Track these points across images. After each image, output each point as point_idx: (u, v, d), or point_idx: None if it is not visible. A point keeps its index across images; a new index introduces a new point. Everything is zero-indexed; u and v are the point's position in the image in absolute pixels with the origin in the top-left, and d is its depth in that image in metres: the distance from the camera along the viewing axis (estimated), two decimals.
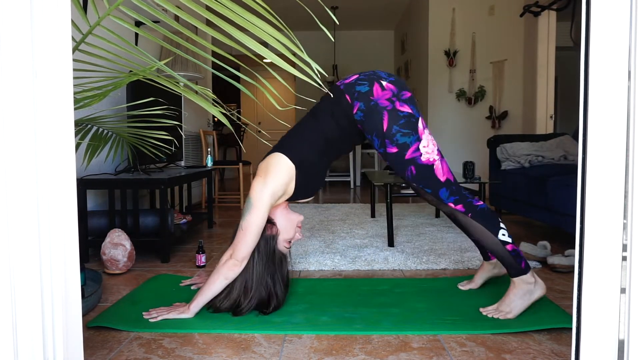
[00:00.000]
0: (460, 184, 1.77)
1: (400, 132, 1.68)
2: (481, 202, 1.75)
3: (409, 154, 1.69)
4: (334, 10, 7.27)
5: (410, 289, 2.02)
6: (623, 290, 0.96)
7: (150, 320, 1.66)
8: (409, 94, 1.73)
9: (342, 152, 1.86)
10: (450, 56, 5.67)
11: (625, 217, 0.96)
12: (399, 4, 7.13)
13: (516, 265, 1.69)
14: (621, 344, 0.97)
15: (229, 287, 1.72)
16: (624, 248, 0.96)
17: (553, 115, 5.28)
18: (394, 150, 1.70)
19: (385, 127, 1.69)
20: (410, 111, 1.70)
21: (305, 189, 1.79)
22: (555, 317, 1.67)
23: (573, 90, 7.91)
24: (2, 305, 0.86)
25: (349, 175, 7.11)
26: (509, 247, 1.69)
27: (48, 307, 0.92)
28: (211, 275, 1.71)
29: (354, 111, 1.72)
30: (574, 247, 1.06)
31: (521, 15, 5.23)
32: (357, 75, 1.76)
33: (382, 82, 1.71)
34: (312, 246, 2.88)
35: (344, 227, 3.53)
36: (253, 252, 1.70)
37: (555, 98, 5.41)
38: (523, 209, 3.43)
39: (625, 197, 0.95)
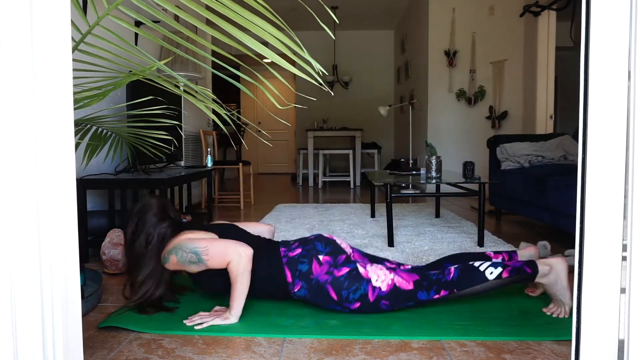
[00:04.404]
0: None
1: (351, 291, 1.71)
2: (451, 268, 1.74)
3: (371, 298, 1.71)
4: (334, 10, 7.26)
5: None
6: (623, 290, 0.96)
7: (195, 328, 1.61)
8: (343, 257, 1.76)
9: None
10: (450, 56, 5.67)
11: (625, 217, 0.96)
12: (399, 4, 7.13)
13: (526, 276, 1.70)
14: (621, 343, 0.97)
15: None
16: (624, 248, 0.96)
17: (553, 115, 5.28)
18: (358, 305, 1.72)
19: (336, 298, 1.71)
20: (348, 269, 1.73)
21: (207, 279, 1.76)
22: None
23: (573, 90, 7.91)
24: (2, 306, 0.86)
25: (349, 175, 7.11)
26: (504, 274, 1.69)
27: (48, 307, 0.92)
28: (235, 282, 1.67)
29: (296, 289, 1.74)
30: (574, 247, 1.06)
31: (521, 15, 5.23)
32: (300, 250, 1.77)
33: (319, 257, 1.75)
34: None
35: (344, 227, 3.53)
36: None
37: (555, 98, 5.41)
38: (523, 209, 3.42)
39: (625, 197, 0.95)
